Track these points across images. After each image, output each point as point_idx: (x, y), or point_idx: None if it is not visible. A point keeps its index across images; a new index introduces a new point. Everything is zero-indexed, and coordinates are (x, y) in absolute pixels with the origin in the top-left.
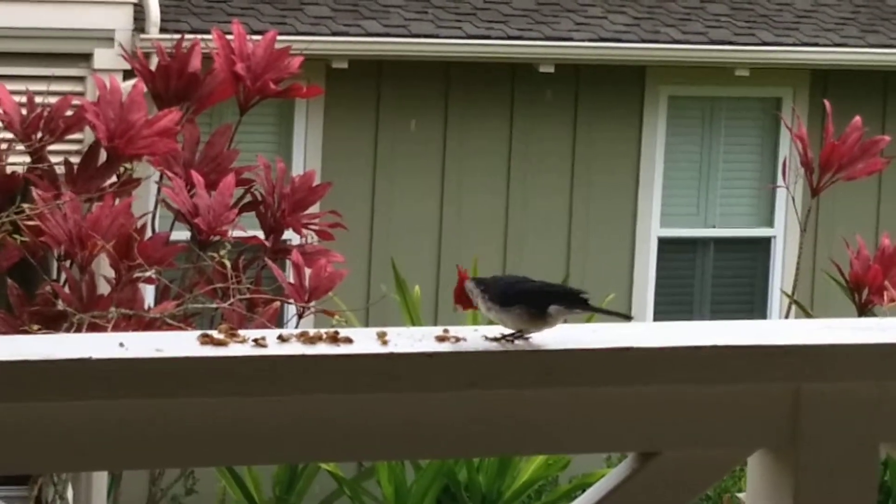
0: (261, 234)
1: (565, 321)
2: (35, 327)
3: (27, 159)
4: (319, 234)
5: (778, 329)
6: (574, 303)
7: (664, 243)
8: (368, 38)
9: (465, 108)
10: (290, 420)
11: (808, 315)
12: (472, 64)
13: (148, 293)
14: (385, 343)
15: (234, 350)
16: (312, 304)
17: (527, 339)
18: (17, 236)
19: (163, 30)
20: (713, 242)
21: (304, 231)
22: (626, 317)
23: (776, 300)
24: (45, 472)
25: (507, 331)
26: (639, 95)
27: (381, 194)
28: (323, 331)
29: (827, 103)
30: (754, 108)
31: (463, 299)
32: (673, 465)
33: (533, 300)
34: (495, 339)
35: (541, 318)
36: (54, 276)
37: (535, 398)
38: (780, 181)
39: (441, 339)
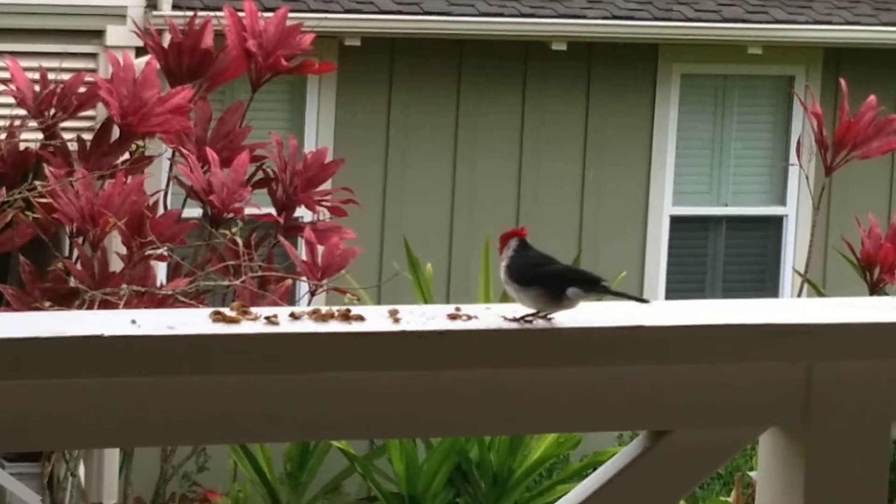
0: (273, 212)
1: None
2: (47, 304)
3: (40, 136)
4: (332, 210)
5: (790, 307)
6: (593, 287)
7: (676, 221)
8: (381, 16)
9: (478, 86)
10: (302, 397)
11: (820, 294)
12: (485, 42)
13: (160, 270)
14: (397, 321)
15: (246, 328)
16: (325, 281)
17: (541, 318)
18: (29, 213)
19: (175, 7)
20: (725, 221)
21: (317, 208)
22: (642, 300)
23: (788, 279)
24: (57, 449)
25: (523, 311)
26: (651, 73)
27: (394, 171)
28: (335, 308)
29: (843, 82)
30: (767, 87)
31: (502, 241)
32: (685, 443)
33: (552, 282)
34: (513, 320)
35: (558, 300)
36: (66, 253)
37: (546, 376)
38: (793, 159)
39: (453, 317)
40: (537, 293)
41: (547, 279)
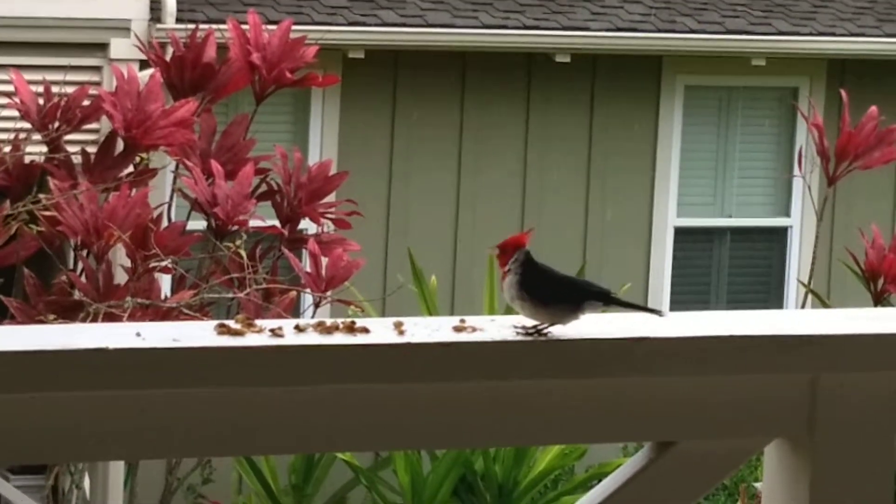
0: (277, 224)
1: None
2: (51, 317)
3: (44, 149)
4: (336, 223)
5: (795, 319)
6: (609, 300)
7: (680, 233)
8: (385, 28)
9: (482, 98)
10: (307, 410)
11: (824, 304)
12: (489, 54)
13: (164, 283)
14: (402, 333)
15: (251, 340)
16: (329, 293)
17: (547, 329)
18: (33, 226)
19: (179, 20)
20: (729, 232)
21: (321, 220)
22: (657, 311)
23: (792, 290)
24: (62, 461)
25: (530, 323)
26: (655, 85)
27: (398, 184)
28: (339, 321)
29: (843, 93)
30: (771, 98)
31: (504, 252)
32: (690, 454)
33: (572, 297)
34: (518, 332)
35: (574, 313)
36: (71, 265)
37: (551, 388)
38: (796, 171)
39: (458, 329)
40: (556, 308)
41: (566, 294)
